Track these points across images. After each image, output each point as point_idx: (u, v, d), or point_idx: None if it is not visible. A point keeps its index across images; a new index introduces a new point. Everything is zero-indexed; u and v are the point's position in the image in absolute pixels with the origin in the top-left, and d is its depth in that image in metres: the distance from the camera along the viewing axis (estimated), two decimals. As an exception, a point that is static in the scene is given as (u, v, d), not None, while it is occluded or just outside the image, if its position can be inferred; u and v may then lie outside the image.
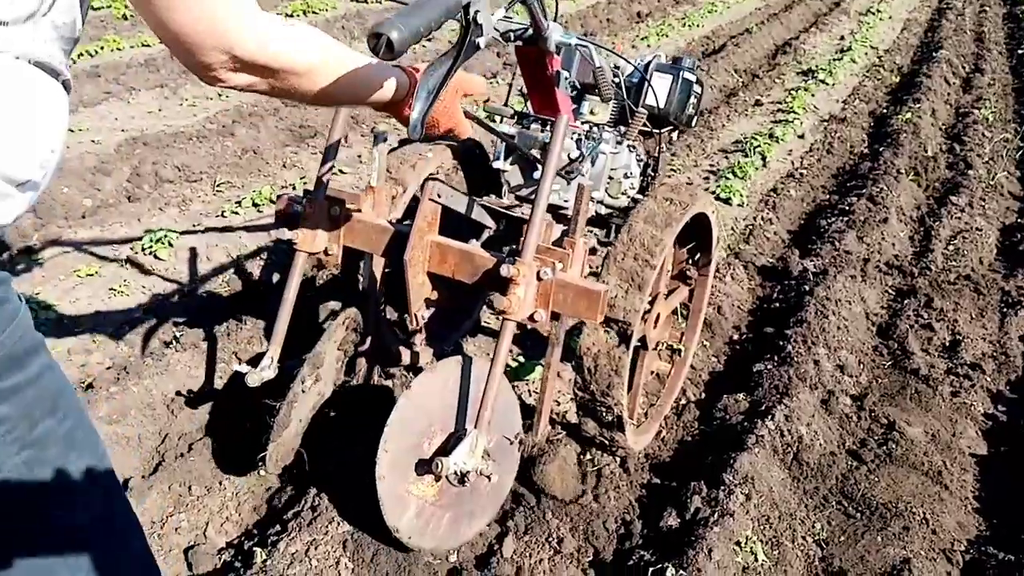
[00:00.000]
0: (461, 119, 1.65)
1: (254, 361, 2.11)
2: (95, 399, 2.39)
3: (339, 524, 2.01)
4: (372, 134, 1.80)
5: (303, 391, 2.09)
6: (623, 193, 2.52)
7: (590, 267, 2.09)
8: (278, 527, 2.02)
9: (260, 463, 2.07)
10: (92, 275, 3.26)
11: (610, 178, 2.49)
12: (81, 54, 6.09)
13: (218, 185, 4.23)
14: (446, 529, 1.97)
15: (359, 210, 2.13)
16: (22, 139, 0.88)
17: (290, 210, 2.11)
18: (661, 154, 2.57)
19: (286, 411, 2.05)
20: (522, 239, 1.86)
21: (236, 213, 3.89)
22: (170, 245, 3.47)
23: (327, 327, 2.24)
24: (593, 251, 2.36)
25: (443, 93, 1.45)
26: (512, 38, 1.96)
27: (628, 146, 2.51)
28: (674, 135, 2.70)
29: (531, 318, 1.88)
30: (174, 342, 2.71)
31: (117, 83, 5.60)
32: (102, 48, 6.30)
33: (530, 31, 1.93)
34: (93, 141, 4.63)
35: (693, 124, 2.66)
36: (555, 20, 2.01)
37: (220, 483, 2.24)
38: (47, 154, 0.92)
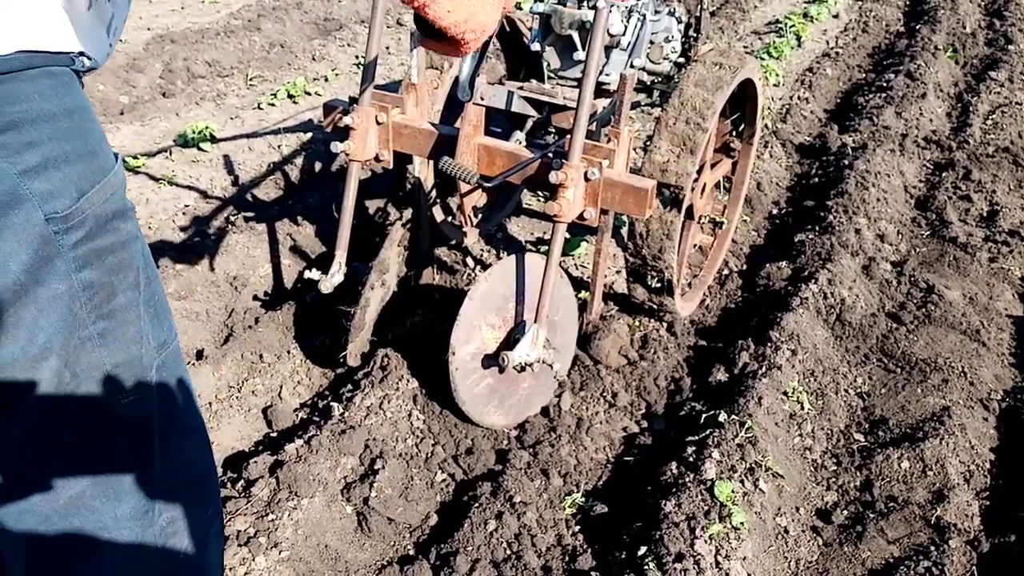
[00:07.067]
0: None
1: (320, 264, 2.21)
2: (162, 277, 2.49)
3: (408, 381, 2.13)
4: (410, 34, 1.81)
5: (372, 295, 2.23)
6: (664, 58, 2.48)
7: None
8: (350, 386, 2.15)
9: (342, 359, 2.24)
10: (139, 168, 3.33)
11: (651, 43, 2.45)
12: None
13: (251, 79, 4.23)
14: (509, 406, 2.09)
15: (403, 112, 2.16)
16: None
17: (340, 123, 2.13)
18: (704, 12, 2.51)
19: (360, 316, 2.20)
20: (568, 139, 1.87)
21: (273, 105, 3.91)
22: (212, 138, 3.51)
23: (389, 232, 2.34)
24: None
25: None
26: None
27: (668, 10, 2.47)
28: None
29: (580, 216, 1.93)
30: (230, 225, 2.79)
31: (136, -19, 5.53)
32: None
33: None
34: (120, 40, 4.61)
35: None
36: None
37: (288, 352, 2.36)
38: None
